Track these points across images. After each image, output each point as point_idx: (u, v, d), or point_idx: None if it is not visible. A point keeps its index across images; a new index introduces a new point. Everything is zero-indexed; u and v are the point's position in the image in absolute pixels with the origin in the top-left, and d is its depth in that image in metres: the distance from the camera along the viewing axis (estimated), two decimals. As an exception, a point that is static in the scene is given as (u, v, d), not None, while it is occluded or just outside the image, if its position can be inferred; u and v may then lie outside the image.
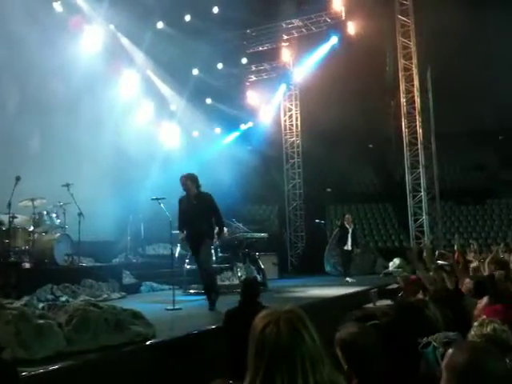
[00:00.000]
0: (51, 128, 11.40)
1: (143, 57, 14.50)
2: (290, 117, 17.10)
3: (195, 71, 15.75)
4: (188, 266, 10.13)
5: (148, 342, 4.91)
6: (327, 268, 14.95)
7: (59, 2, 12.58)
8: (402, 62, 14.51)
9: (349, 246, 12.62)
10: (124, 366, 4.63)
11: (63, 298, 7.98)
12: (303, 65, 16.31)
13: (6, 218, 8.72)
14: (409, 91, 14.49)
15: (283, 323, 1.84)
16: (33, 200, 9.23)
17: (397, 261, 14.37)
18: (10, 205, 8.59)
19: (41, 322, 4.35)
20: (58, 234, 9.27)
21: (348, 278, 12.41)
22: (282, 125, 17.11)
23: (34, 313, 4.48)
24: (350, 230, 12.77)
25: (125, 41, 14.19)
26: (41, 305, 5.52)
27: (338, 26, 15.64)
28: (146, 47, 14.09)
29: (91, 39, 13.41)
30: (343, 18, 15.61)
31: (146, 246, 13.15)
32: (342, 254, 12.87)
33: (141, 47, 14.22)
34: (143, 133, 14.68)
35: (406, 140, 14.63)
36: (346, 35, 15.60)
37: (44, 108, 11.45)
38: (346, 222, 12.87)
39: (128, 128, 14.18)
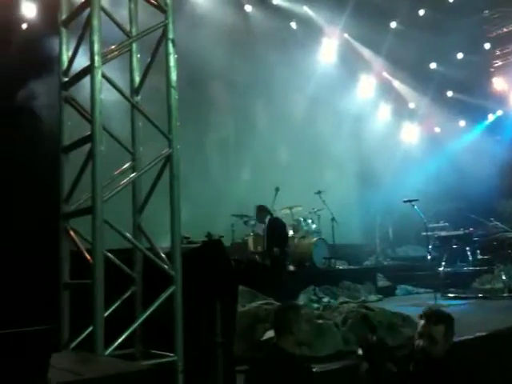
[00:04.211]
0: (297, 139, 12.23)
1: (378, 59, 14.51)
2: (547, 100, 15.15)
3: (433, 65, 15.12)
4: (444, 269, 9.76)
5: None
6: None
7: (294, 21, 13.38)
8: None
9: None
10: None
11: (325, 299, 8.42)
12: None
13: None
14: None
15: None
16: (291, 208, 10.05)
17: None
18: (272, 214, 9.55)
19: (320, 322, 4.67)
20: (315, 239, 9.86)
21: None
22: (538, 110, 15.25)
23: (312, 313, 4.84)
24: None
25: (359, 46, 14.41)
26: (315, 305, 5.93)
27: None
28: (380, 49, 14.08)
29: (327, 50, 13.97)
30: None
31: (395, 248, 13.06)
32: None
33: (376, 50, 14.27)
34: (383, 134, 14.68)
35: None
36: None
37: (288, 121, 12.34)
38: None
39: (367, 132, 14.37)
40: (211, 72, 11.12)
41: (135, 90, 3.95)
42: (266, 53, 11.86)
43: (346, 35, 14.19)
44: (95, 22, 3.21)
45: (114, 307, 3.65)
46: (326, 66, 13.76)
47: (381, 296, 9.50)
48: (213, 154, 11.06)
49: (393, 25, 14.16)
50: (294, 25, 13.44)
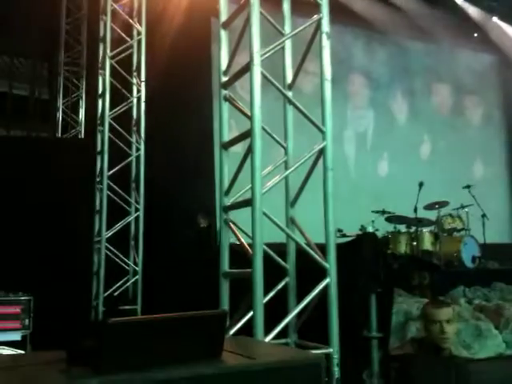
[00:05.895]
0: (440, 131, 11.67)
1: None
2: None
3: None
4: None
5: None
6: None
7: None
8: None
9: None
10: None
11: (476, 301, 7.89)
12: None
13: (413, 222, 9.34)
14: None
15: None
16: (436, 203, 9.56)
17: None
18: (416, 209, 9.18)
19: (477, 323, 4.41)
20: (464, 237, 9.28)
21: None
22: None
23: (468, 313, 4.58)
24: None
25: (508, 27, 13.22)
26: (470, 306, 5.60)
27: None
28: None
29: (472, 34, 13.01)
30: None
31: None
32: None
33: None
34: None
35: None
36: None
37: (430, 112, 11.83)
38: None
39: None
40: (349, 65, 11.02)
41: (288, 86, 4.04)
42: (406, 42, 11.46)
43: (494, 18, 13.12)
44: (255, 23, 3.35)
45: (269, 297, 3.77)
46: (471, 51, 12.89)
47: (540, 300, 8.67)
48: (351, 149, 10.95)
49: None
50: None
